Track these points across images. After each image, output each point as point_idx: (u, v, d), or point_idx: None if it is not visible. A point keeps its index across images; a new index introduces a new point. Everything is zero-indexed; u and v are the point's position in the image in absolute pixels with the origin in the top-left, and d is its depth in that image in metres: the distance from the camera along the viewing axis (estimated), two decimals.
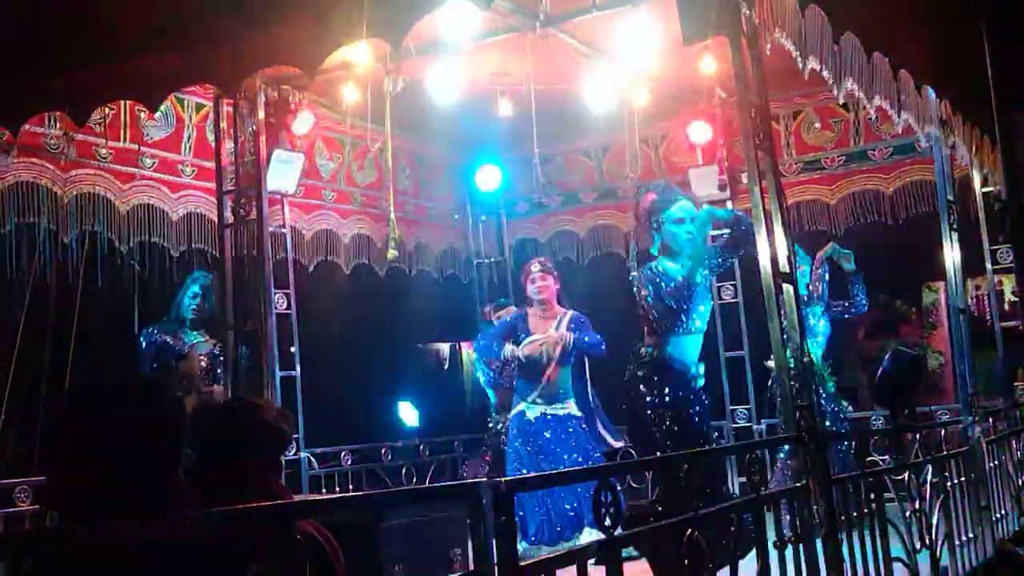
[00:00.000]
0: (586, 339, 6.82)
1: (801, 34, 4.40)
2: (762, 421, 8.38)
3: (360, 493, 6.43)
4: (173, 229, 7.11)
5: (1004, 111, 6.71)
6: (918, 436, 5.42)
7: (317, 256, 8.31)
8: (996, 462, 6.04)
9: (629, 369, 5.39)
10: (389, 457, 8.21)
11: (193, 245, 7.22)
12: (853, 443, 5.68)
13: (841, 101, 5.22)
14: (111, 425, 2.38)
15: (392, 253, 7.14)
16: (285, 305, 7.10)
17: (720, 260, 5.58)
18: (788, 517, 3.96)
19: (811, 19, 4.52)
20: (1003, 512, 6.05)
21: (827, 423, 6.31)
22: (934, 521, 5.09)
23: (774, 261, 4.18)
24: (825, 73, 4.62)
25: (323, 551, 2.78)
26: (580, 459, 6.64)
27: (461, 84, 6.88)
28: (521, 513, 6.41)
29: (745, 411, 8.61)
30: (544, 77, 6.88)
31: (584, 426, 6.87)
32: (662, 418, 5.18)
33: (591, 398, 7.48)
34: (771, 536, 3.74)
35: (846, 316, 7.48)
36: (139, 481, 2.36)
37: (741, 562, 3.80)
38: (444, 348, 10.14)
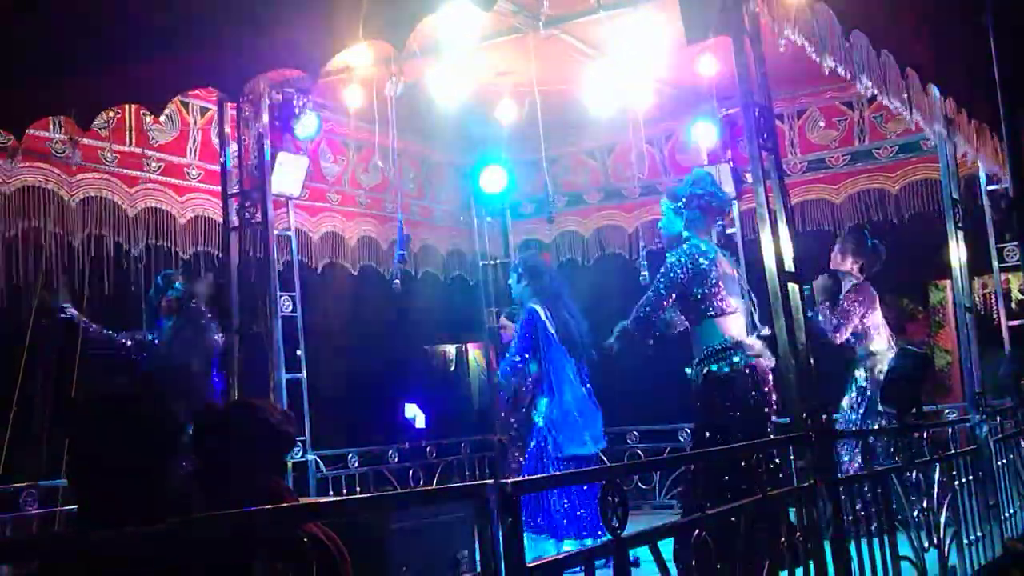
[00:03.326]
0: None
1: (814, 31, 4.40)
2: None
3: (366, 495, 6.43)
4: (181, 232, 7.12)
5: (1010, 108, 6.68)
6: (925, 435, 5.42)
7: (324, 258, 8.32)
8: (1004, 460, 6.03)
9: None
10: (396, 459, 8.21)
11: (201, 248, 7.22)
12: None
13: (855, 97, 5.17)
14: (112, 431, 2.41)
15: (401, 254, 7.11)
16: (291, 308, 7.10)
17: None
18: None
19: (821, 16, 4.51)
20: (1011, 511, 6.04)
21: None
22: (942, 520, 5.09)
23: (779, 260, 4.17)
24: (841, 70, 4.61)
25: (329, 553, 2.78)
26: None
27: (465, 86, 6.87)
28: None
29: None
30: (548, 78, 6.88)
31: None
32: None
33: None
34: None
35: None
36: (139, 480, 2.39)
37: None
38: (451, 350, 10.15)
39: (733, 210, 6.04)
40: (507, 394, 7.68)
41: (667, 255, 5.49)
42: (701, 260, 5.32)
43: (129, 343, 6.93)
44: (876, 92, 5.14)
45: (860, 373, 7.08)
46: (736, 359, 5.18)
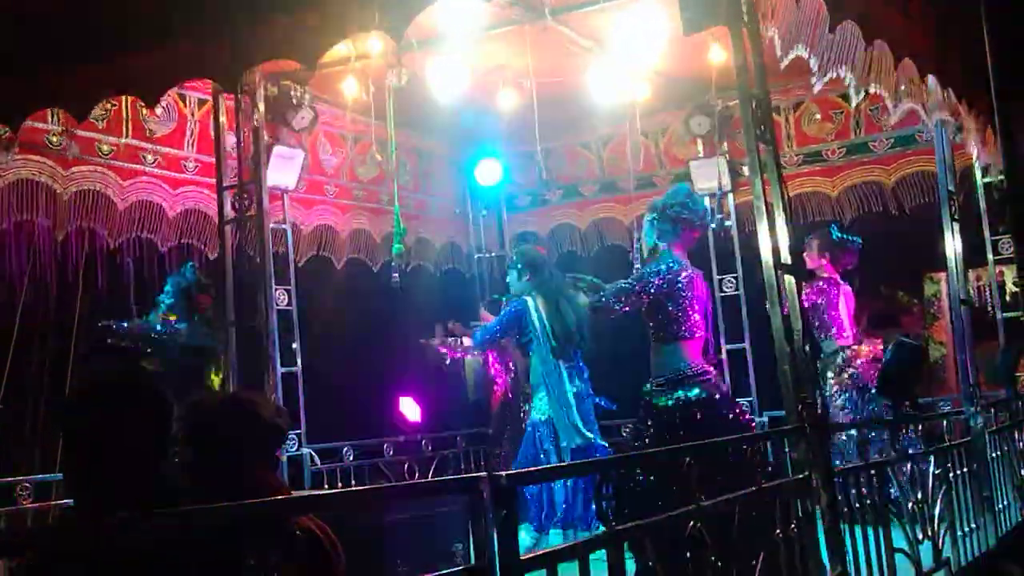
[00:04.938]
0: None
1: (795, 23, 4.37)
2: (764, 413, 8.37)
3: (361, 488, 6.42)
4: (170, 225, 7.07)
5: (1005, 100, 6.68)
6: (920, 427, 5.42)
7: (320, 251, 8.30)
8: (998, 452, 6.03)
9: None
10: (391, 453, 8.20)
11: (188, 241, 7.18)
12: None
13: (816, 90, 5.10)
14: (104, 417, 2.41)
15: (398, 248, 7.09)
16: (286, 301, 7.09)
17: None
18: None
19: (807, 8, 4.49)
20: (1005, 503, 6.05)
21: None
22: (936, 512, 5.09)
23: (775, 252, 4.17)
24: (812, 61, 4.58)
25: (323, 546, 2.78)
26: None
27: (462, 78, 6.86)
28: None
29: (747, 403, 8.59)
30: (545, 70, 6.87)
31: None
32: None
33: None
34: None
35: None
36: (133, 470, 2.39)
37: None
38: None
39: (708, 219, 6.15)
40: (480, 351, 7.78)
41: (645, 268, 5.53)
42: (680, 278, 5.36)
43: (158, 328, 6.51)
44: (855, 84, 5.11)
45: (829, 374, 7.14)
46: (700, 386, 5.23)
